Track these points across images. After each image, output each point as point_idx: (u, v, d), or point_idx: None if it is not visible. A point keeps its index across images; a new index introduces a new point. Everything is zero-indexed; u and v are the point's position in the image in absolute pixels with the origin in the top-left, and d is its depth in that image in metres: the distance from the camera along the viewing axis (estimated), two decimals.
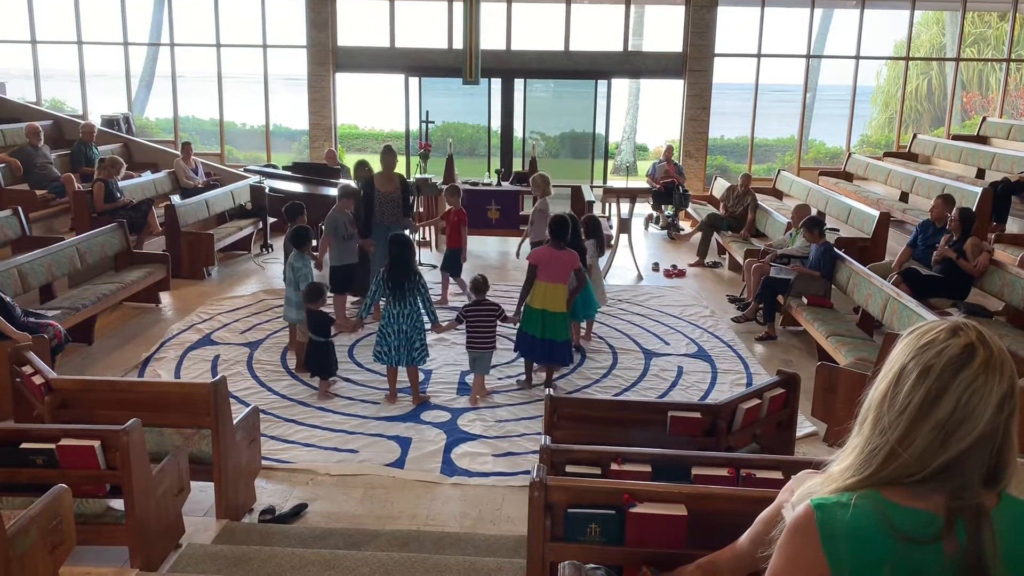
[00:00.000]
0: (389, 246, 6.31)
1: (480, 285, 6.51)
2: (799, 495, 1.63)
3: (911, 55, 15.98)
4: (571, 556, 2.43)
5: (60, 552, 3.02)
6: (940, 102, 21.50)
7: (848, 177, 14.16)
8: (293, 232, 7.16)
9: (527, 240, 9.05)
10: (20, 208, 8.82)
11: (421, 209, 11.50)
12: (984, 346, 1.47)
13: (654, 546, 2.55)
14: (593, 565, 2.34)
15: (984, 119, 14.92)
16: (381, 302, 6.64)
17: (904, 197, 12.29)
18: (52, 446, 3.56)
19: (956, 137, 14.63)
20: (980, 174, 12.37)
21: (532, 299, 6.52)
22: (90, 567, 3.53)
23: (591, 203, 11.49)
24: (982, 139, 14.08)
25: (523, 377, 6.83)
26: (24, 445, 3.60)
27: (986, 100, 20.75)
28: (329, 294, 7.33)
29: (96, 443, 3.55)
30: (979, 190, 10.05)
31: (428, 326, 6.46)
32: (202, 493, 4.52)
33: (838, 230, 10.61)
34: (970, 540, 1.44)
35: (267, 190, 11.16)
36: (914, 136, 14.95)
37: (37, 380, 4.42)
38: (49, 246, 7.74)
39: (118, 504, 3.68)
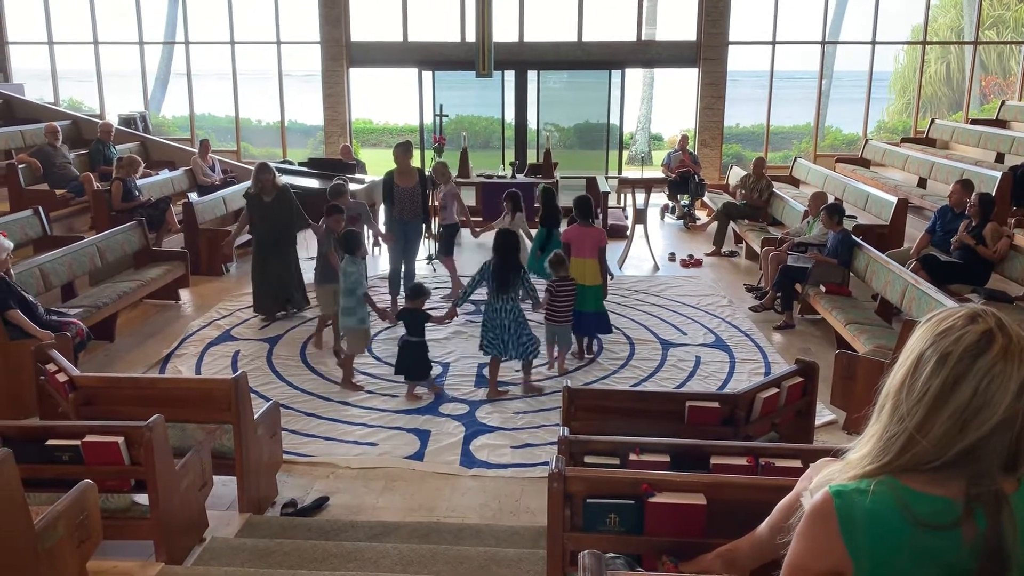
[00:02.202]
0: (497, 241, 6.37)
1: (559, 261, 6.78)
2: (817, 482, 1.63)
3: (928, 39, 15.82)
4: (590, 546, 2.44)
5: (87, 546, 3.07)
6: (959, 86, 21.25)
7: (865, 164, 14.03)
8: (344, 237, 6.74)
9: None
10: (41, 208, 8.91)
11: (436, 203, 11.52)
12: (1003, 333, 1.47)
13: (673, 535, 2.56)
14: (613, 554, 2.35)
15: (1003, 103, 14.74)
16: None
17: (922, 183, 12.17)
18: (77, 443, 3.62)
19: (975, 121, 14.47)
20: (999, 158, 12.23)
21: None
22: (116, 561, 3.58)
23: (606, 193, 11.49)
24: (1001, 123, 13.92)
25: (575, 349, 7.22)
26: (50, 442, 3.65)
27: (1005, 83, 20.49)
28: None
29: (120, 439, 3.60)
30: (998, 174, 9.94)
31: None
32: (225, 487, 4.57)
33: (856, 217, 10.53)
34: (990, 526, 1.44)
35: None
36: (932, 121, 14.79)
37: (61, 378, 4.47)
38: (70, 245, 7.81)
39: (143, 499, 3.73)
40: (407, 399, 6.32)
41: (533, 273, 8.19)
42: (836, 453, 1.72)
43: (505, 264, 6.26)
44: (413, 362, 6.36)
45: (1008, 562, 1.43)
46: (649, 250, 10.47)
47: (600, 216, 8.40)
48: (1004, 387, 1.43)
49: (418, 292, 6.46)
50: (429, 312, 6.51)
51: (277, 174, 8.17)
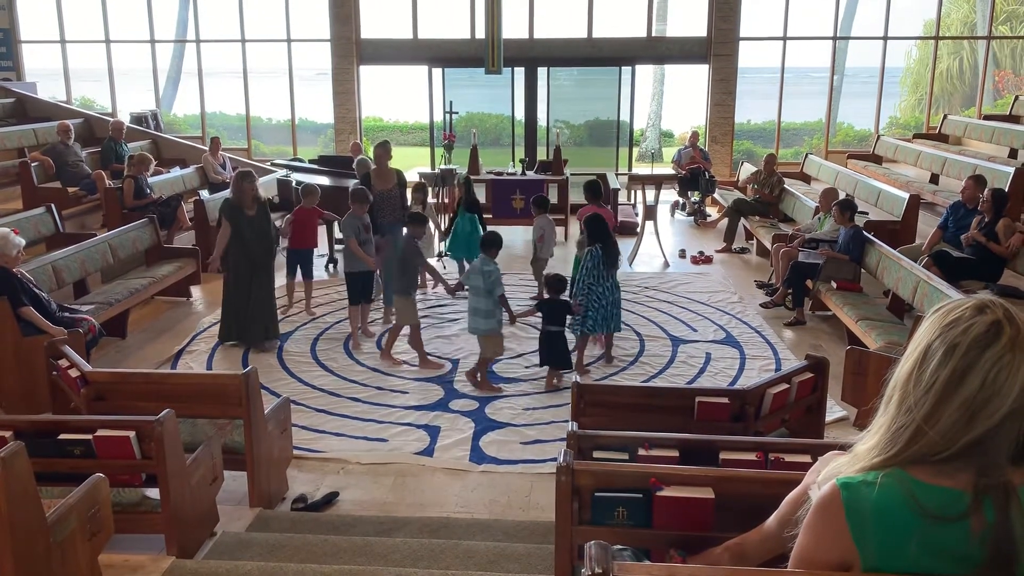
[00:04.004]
0: (591, 226, 6.63)
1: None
2: (825, 475, 1.62)
3: (941, 34, 15.71)
4: (599, 539, 2.44)
5: (99, 539, 3.09)
6: (971, 81, 21.09)
7: (877, 160, 13.97)
8: (488, 237, 6.67)
9: None
10: (53, 206, 8.95)
11: (446, 200, 11.54)
12: (1011, 323, 1.46)
13: (681, 529, 2.55)
14: (620, 546, 2.35)
15: (1017, 98, 14.64)
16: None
17: (935, 179, 12.11)
18: (89, 437, 3.64)
19: (988, 117, 14.38)
20: (1013, 154, 12.16)
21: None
22: (128, 555, 3.60)
23: (616, 190, 11.46)
24: (1014, 118, 13.82)
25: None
26: (62, 436, 3.68)
27: (1019, 79, 20.31)
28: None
29: (131, 433, 3.62)
30: (1012, 170, 9.88)
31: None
32: (235, 482, 4.59)
33: (867, 213, 10.47)
34: (999, 518, 1.43)
35: (294, 184, 11.24)
36: (944, 117, 14.71)
37: (73, 373, 4.51)
38: (82, 242, 7.86)
39: (154, 493, 3.75)
40: (547, 386, 6.48)
41: (462, 256, 9.08)
42: (844, 446, 1.72)
43: (608, 245, 6.62)
44: (557, 352, 6.56)
45: (1017, 554, 1.42)
46: (659, 247, 10.45)
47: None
48: (1012, 378, 1.43)
49: (560, 283, 6.59)
50: (568, 301, 6.67)
51: (259, 186, 7.41)
